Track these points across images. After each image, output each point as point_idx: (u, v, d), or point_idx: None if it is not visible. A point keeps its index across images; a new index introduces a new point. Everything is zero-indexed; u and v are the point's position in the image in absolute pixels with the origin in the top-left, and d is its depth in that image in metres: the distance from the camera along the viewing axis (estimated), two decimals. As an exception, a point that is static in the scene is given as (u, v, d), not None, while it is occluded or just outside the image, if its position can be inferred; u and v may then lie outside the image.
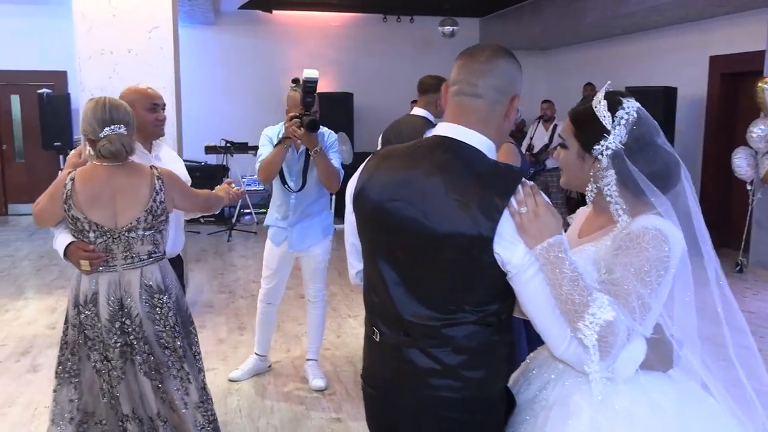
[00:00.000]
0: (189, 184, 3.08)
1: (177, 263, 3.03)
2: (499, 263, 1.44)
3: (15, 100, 9.67)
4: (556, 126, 8.09)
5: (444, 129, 1.56)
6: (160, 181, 2.49)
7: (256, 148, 9.82)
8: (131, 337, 2.45)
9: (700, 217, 1.62)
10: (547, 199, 1.47)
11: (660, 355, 1.56)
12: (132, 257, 2.48)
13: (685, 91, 7.89)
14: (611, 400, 1.50)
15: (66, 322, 2.54)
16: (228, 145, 9.12)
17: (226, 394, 3.86)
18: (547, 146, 8.00)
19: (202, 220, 9.26)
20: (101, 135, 2.38)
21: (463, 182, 1.45)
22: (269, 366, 4.23)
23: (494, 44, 1.60)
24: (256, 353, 4.15)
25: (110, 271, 2.46)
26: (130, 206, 2.44)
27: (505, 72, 1.54)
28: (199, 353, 2.67)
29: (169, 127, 4.90)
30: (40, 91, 8.75)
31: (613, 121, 1.55)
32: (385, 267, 1.57)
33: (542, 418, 1.56)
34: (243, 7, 9.55)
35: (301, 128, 3.46)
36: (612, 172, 1.57)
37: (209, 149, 9.21)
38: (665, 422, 1.49)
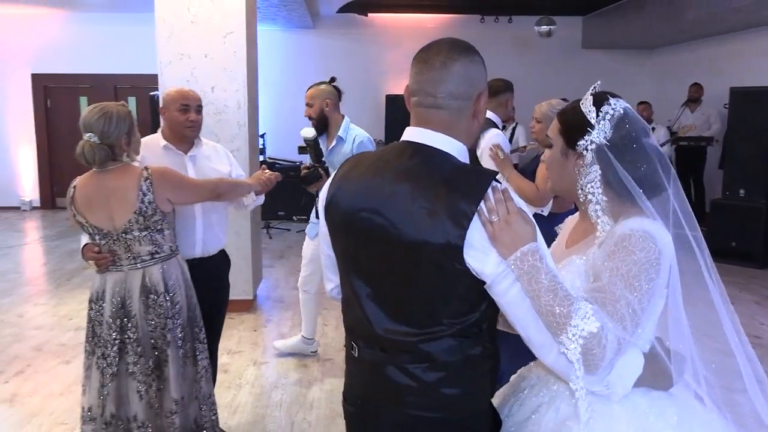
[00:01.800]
0: (242, 177, 3.19)
1: (218, 262, 3.13)
2: (473, 272, 1.36)
3: (132, 102, 10.41)
4: (653, 129, 7.67)
5: (410, 134, 1.48)
6: (147, 182, 2.55)
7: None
8: (126, 335, 2.57)
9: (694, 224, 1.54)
10: (520, 203, 1.39)
11: (657, 372, 1.46)
12: (134, 258, 2.59)
13: (801, 91, 7.24)
14: (606, 426, 1.42)
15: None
16: (317, 145, 9.36)
17: (272, 387, 3.98)
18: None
19: (295, 218, 9.57)
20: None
21: (431, 188, 1.37)
22: (314, 351, 4.42)
23: (449, 41, 1.47)
24: (302, 335, 4.38)
25: (118, 271, 2.60)
26: (122, 209, 2.54)
27: (464, 74, 1.43)
28: (199, 358, 2.72)
29: (242, 128, 5.14)
30: (152, 93, 9.37)
31: (598, 116, 1.52)
32: (357, 280, 1.50)
33: None
34: (341, 10, 9.76)
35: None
36: (596, 167, 1.52)
37: (302, 149, 9.46)
38: None
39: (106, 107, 2.55)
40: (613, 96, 1.56)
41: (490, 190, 1.37)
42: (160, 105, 3.00)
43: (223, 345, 4.61)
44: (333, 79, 4.06)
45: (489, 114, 3.94)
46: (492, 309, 1.42)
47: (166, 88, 5.10)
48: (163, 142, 3.01)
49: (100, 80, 10.25)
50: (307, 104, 3.98)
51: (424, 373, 1.42)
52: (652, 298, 1.40)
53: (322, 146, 3.94)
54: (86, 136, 2.51)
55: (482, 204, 1.35)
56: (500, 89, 4.03)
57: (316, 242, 4.06)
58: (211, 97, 5.07)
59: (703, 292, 1.52)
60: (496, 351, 1.49)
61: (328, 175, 3.78)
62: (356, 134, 3.93)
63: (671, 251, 1.44)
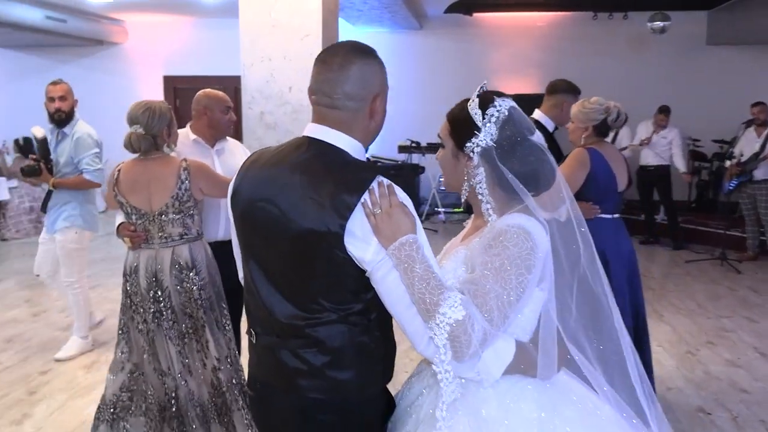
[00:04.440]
0: None
1: (224, 250, 3.37)
2: (356, 261, 1.46)
3: None
4: (769, 132, 7.07)
5: (310, 129, 1.58)
6: (186, 172, 2.87)
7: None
8: (161, 305, 2.86)
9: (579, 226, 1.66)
10: (403, 196, 1.49)
11: (530, 360, 1.52)
12: (166, 237, 2.90)
13: None
14: (479, 407, 1.49)
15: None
16: (413, 144, 9.49)
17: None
18: (757, 155, 7.02)
19: (394, 215, 9.73)
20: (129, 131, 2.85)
21: (320, 181, 1.47)
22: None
23: (349, 44, 1.57)
24: (79, 336, 4.64)
25: (149, 248, 2.92)
26: (161, 193, 2.87)
27: (360, 77, 1.52)
28: (226, 326, 3.00)
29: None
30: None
31: (484, 118, 1.57)
32: (255, 266, 1.61)
33: (416, 424, 1.58)
34: (448, 10, 9.78)
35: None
36: (482, 170, 1.58)
37: (402, 148, 9.64)
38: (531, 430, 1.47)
39: (150, 103, 2.90)
40: (500, 95, 1.60)
41: (375, 184, 1.46)
42: (198, 105, 3.29)
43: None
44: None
45: (538, 115, 3.81)
46: (378, 300, 1.48)
47: (248, 89, 5.42)
48: (193, 136, 3.31)
49: (224, 82, 10.78)
50: (62, 98, 4.29)
51: (314, 357, 1.50)
52: (523, 292, 1.45)
53: (53, 141, 4.37)
54: (132, 127, 2.84)
55: (367, 197, 1.44)
56: (557, 89, 3.82)
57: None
58: (288, 97, 5.32)
59: (587, 285, 1.64)
60: (386, 340, 1.58)
61: (49, 171, 4.25)
62: (77, 130, 4.30)
63: (546, 246, 1.51)
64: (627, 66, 9.92)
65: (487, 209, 1.59)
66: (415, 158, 9.89)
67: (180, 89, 11.22)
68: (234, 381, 2.94)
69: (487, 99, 1.59)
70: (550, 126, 3.84)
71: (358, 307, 1.50)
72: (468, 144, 1.58)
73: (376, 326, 1.54)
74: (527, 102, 8.57)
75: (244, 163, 1.70)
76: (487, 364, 1.45)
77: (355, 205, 1.43)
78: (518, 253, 1.45)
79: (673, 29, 9.16)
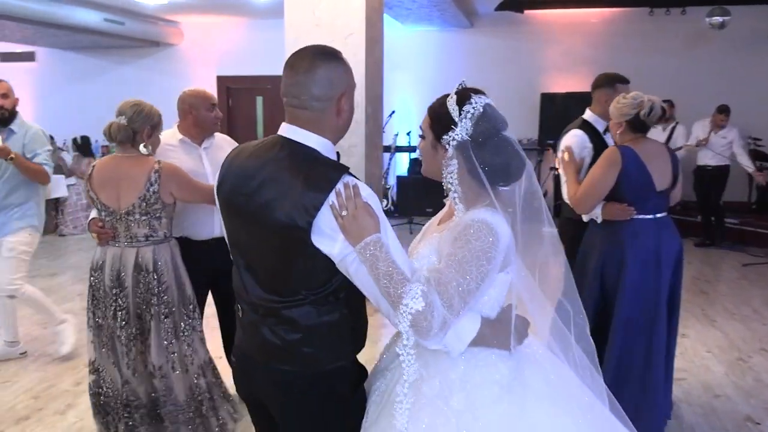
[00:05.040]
0: None
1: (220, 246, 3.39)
2: (324, 253, 1.60)
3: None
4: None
5: (283, 129, 1.72)
6: (156, 174, 2.88)
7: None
8: (117, 303, 2.91)
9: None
10: (368, 194, 1.62)
11: (492, 335, 1.67)
12: (131, 237, 2.92)
13: None
14: (448, 370, 1.67)
15: None
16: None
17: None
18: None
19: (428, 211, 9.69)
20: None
21: (292, 179, 1.61)
22: (23, 353, 4.55)
23: (314, 49, 1.70)
24: (4, 340, 4.49)
25: (115, 246, 2.95)
26: (130, 192, 2.88)
27: (325, 79, 1.66)
28: (186, 330, 2.99)
29: (359, 126, 5.35)
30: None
31: (460, 114, 1.69)
32: (236, 252, 1.79)
33: (391, 385, 1.74)
34: (498, 8, 9.66)
35: None
36: (455, 161, 1.70)
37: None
38: (493, 391, 1.65)
39: (141, 102, 2.97)
40: (476, 93, 1.72)
41: (341, 186, 1.59)
42: (183, 105, 3.29)
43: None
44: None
45: (587, 115, 3.72)
46: (346, 281, 1.64)
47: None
48: (180, 136, 3.30)
49: (274, 81, 10.94)
50: (4, 95, 4.18)
51: (287, 334, 1.67)
52: (483, 281, 1.60)
53: None
54: (117, 118, 2.90)
55: (333, 197, 1.58)
56: (597, 84, 3.70)
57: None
58: (331, 96, 5.34)
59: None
60: (355, 317, 1.74)
61: None
62: (29, 127, 4.27)
63: (507, 237, 1.66)
64: (684, 62, 9.62)
65: (455, 198, 1.72)
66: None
67: (232, 89, 11.42)
68: (193, 389, 2.96)
69: (464, 96, 1.71)
70: (599, 125, 3.69)
71: (329, 289, 1.65)
72: (445, 137, 1.71)
73: (345, 304, 1.69)
74: (579, 100, 8.35)
75: (228, 155, 1.84)
76: (452, 340, 1.60)
77: (322, 204, 1.57)
78: (480, 246, 1.60)
79: (733, 24, 8.83)
